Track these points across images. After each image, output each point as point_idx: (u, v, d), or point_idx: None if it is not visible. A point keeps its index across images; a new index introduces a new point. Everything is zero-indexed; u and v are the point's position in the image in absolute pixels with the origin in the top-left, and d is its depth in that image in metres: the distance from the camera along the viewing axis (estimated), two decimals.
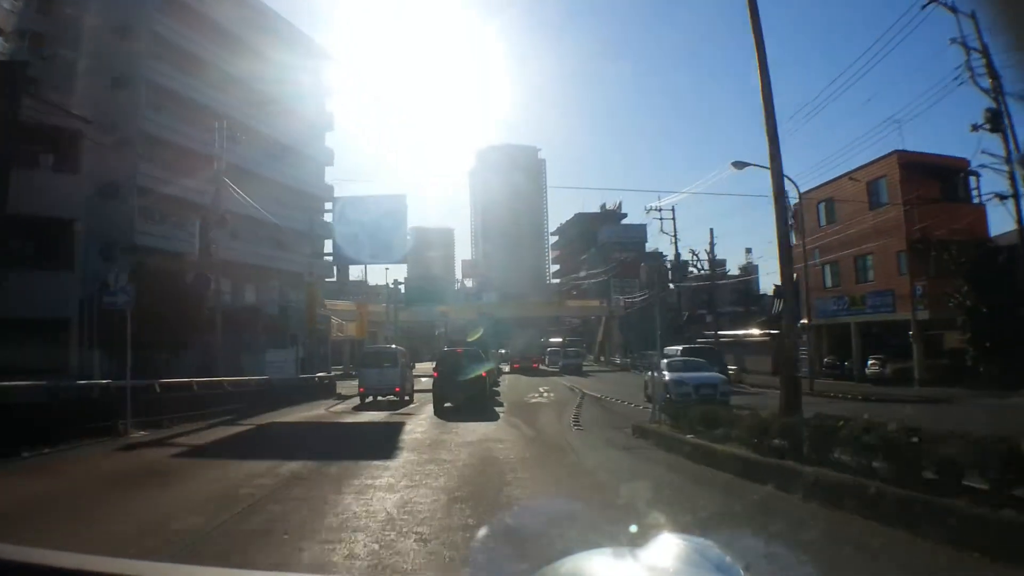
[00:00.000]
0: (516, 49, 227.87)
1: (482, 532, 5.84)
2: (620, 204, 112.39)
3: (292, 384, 27.10)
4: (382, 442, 13.38)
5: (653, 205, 57.49)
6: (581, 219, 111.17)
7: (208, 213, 23.05)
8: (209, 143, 33.60)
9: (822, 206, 33.20)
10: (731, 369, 30.63)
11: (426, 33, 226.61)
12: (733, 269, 75.13)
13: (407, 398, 24.39)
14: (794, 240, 42.41)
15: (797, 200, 39.60)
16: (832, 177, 33.43)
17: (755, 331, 45.89)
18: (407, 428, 16.07)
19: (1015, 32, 3.08)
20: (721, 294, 59.98)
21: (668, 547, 1.70)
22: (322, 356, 48.61)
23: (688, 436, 10.49)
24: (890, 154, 30.45)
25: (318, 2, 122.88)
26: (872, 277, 31.37)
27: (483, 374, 21.91)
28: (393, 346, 28.81)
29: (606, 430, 14.67)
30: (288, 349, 36.81)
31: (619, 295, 72.50)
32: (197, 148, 32.85)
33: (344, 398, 28.16)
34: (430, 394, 22.16)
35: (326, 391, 29.02)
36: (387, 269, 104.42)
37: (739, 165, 26.09)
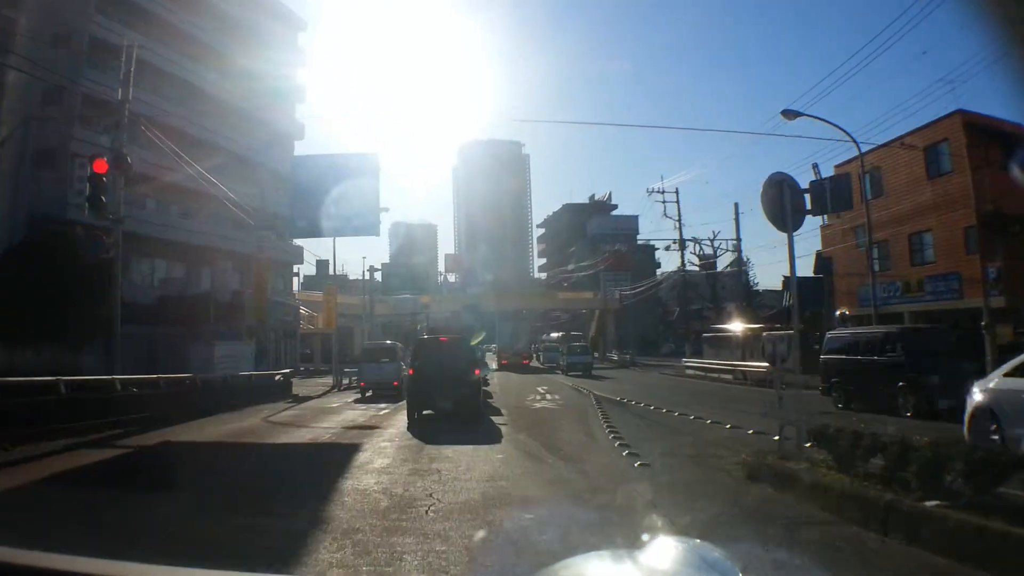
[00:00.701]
0: (500, 44, 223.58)
1: None
2: (610, 195, 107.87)
3: (234, 384, 21.94)
4: (298, 502, 7.25)
5: (655, 187, 52.77)
6: (569, 210, 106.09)
7: (97, 154, 17.50)
8: (165, 111, 28.67)
9: (867, 178, 28.42)
10: None
11: (409, 29, 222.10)
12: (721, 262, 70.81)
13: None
14: (825, 220, 37.98)
15: (832, 175, 35.09)
16: (876, 145, 28.64)
17: (743, 327, 41.65)
18: (358, 460, 10.20)
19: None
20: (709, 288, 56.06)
21: (666, 550, 1.65)
22: (290, 350, 43.64)
23: (961, 516, 4.70)
24: (951, 114, 25.86)
25: None
26: (932, 258, 26.66)
27: (476, 372, 16.36)
28: (389, 342, 30.12)
29: (685, 463, 9.05)
30: (244, 342, 32.00)
31: (612, 287, 68.24)
32: (155, 117, 27.75)
33: (300, 400, 23.14)
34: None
35: (279, 392, 23.82)
36: (364, 258, 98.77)
37: (789, 115, 21.40)
